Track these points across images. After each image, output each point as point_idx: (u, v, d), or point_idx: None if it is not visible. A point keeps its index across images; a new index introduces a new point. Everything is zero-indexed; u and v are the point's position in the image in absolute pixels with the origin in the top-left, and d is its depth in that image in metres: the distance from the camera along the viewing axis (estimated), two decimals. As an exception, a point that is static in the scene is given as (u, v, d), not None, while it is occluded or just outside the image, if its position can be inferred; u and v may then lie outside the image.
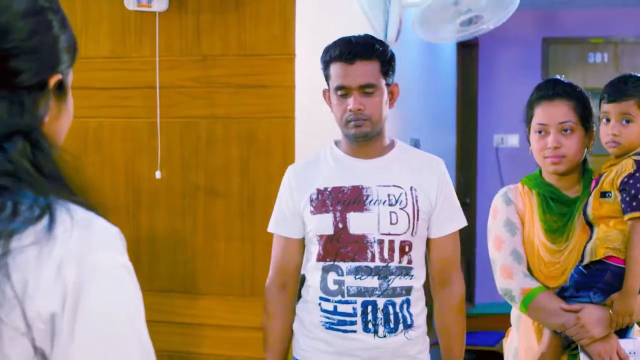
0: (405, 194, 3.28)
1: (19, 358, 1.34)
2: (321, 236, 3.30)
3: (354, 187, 3.29)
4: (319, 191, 3.33)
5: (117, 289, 1.42)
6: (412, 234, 3.27)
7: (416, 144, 6.64)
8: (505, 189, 3.51)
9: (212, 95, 4.43)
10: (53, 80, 1.50)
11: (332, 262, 3.28)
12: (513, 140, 9.40)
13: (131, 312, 1.45)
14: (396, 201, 3.27)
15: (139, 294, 1.48)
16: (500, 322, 4.88)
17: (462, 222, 3.42)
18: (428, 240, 3.38)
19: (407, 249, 3.27)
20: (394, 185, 3.29)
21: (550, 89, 3.40)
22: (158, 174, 4.46)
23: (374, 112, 3.25)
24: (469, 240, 8.71)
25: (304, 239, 3.42)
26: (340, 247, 3.26)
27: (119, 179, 4.60)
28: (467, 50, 9.19)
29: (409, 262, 3.27)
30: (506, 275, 3.33)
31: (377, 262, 3.24)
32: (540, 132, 3.39)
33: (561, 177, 3.39)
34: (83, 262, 1.37)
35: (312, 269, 3.36)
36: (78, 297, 1.35)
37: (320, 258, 3.30)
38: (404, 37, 5.78)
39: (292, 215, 3.39)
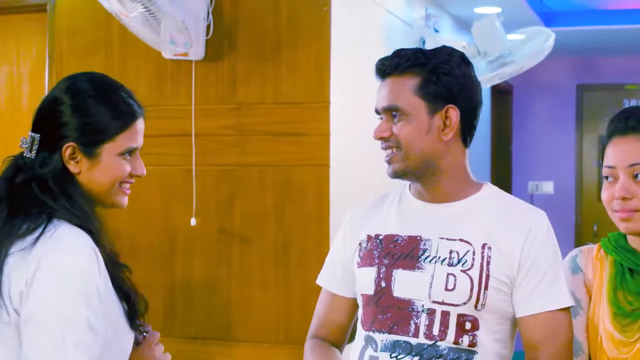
0: (474, 252, 2.43)
1: (6, 319, 2.08)
2: (363, 296, 2.55)
3: (411, 237, 2.50)
4: (369, 238, 2.57)
5: (59, 279, 2.06)
6: (476, 306, 2.41)
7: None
8: (577, 251, 2.65)
9: (248, 143, 4.45)
10: (65, 146, 2.20)
11: (368, 332, 2.51)
12: (548, 187, 9.36)
13: (63, 295, 2.06)
14: (458, 261, 2.43)
15: (78, 288, 2.07)
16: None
17: (562, 300, 2.45)
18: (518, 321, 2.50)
19: (467, 326, 2.41)
20: (460, 240, 2.46)
21: (623, 121, 2.48)
22: (193, 221, 4.47)
23: (402, 143, 2.46)
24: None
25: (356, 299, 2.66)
26: (379, 312, 2.48)
27: (154, 226, 4.61)
28: (502, 97, 9.18)
29: (472, 344, 2.41)
30: None
31: (422, 339, 2.42)
32: (608, 177, 2.49)
33: None
34: (41, 260, 2.06)
35: (357, 338, 2.58)
36: (32, 281, 2.05)
37: (362, 324, 2.55)
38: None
39: (343, 267, 2.66)
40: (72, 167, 2.22)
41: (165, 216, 4.59)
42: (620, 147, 2.47)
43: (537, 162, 9.44)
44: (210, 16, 4.44)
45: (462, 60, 2.52)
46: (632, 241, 2.51)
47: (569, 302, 2.46)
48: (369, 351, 2.49)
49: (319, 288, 2.79)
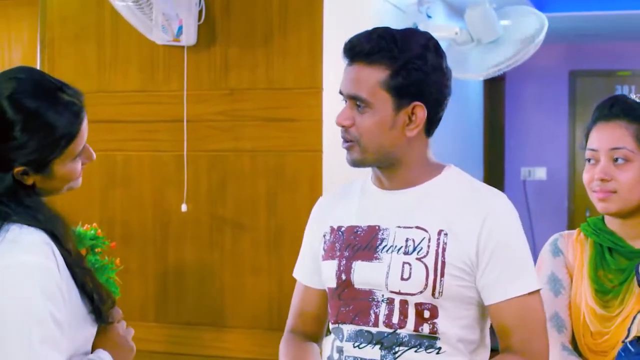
0: (429, 239, 2.36)
1: None
2: (328, 289, 2.52)
3: (370, 227, 2.44)
4: (332, 230, 2.52)
5: (18, 278, 2.00)
6: (433, 294, 2.34)
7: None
8: (557, 235, 2.76)
9: (240, 129, 4.44)
10: (17, 170, 2.08)
11: (335, 324, 2.48)
12: (540, 173, 9.37)
13: (25, 293, 1.99)
14: (414, 249, 2.37)
15: (38, 284, 2.00)
16: None
17: (528, 284, 2.37)
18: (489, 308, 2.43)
19: (426, 314, 2.36)
20: (416, 227, 2.38)
21: (607, 108, 2.65)
22: (184, 207, 4.47)
23: (362, 135, 2.37)
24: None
25: None
26: (342, 305, 2.45)
27: (146, 212, 4.61)
28: (494, 84, 9.17)
29: (433, 332, 2.35)
30: None
31: (381, 327, 2.38)
32: (590, 160, 2.68)
33: (625, 221, 2.62)
34: None
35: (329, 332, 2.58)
36: None
37: (329, 317, 2.54)
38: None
39: (312, 259, 2.61)
40: (27, 181, 2.12)
41: (157, 202, 4.59)
42: (603, 132, 2.63)
43: (530, 148, 9.45)
44: (202, 2, 4.43)
45: (436, 52, 2.40)
46: (610, 223, 2.65)
47: (536, 285, 2.38)
48: (336, 342, 2.46)
49: (311, 274, 2.78)
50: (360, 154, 2.39)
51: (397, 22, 5.51)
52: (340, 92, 2.42)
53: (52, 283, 2.03)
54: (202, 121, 4.50)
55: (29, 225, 2.07)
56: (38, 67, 4.84)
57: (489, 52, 5.70)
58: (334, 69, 4.40)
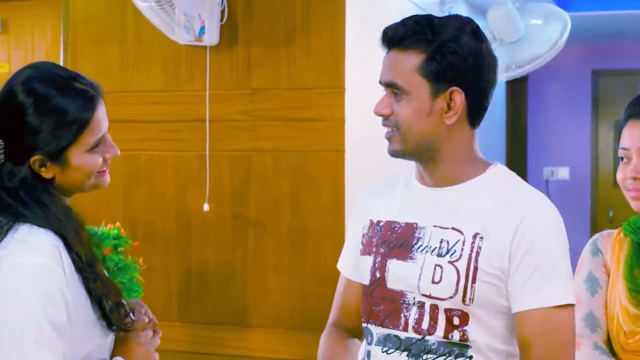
0: (464, 242, 2.24)
1: None
2: (362, 285, 2.43)
3: (408, 224, 2.34)
4: (371, 223, 2.43)
5: (18, 278, 2.00)
6: (464, 300, 2.22)
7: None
8: (598, 235, 2.71)
9: (262, 129, 4.45)
10: (33, 159, 2.11)
11: (366, 324, 2.39)
12: (563, 172, 9.33)
13: (23, 294, 1.99)
14: (447, 251, 2.25)
15: (38, 286, 2.00)
16: None
17: (557, 296, 2.20)
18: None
19: (456, 321, 2.24)
20: (452, 228, 2.27)
21: (638, 106, 2.59)
22: (206, 207, 4.48)
23: (401, 123, 2.28)
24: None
25: None
26: (373, 304, 2.36)
27: (169, 212, 4.62)
28: (517, 83, 9.12)
29: (464, 339, 2.23)
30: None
31: (410, 333, 2.28)
32: (622, 158, 2.60)
33: None
34: (2, 261, 2.01)
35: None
36: None
37: (362, 316, 2.45)
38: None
39: (355, 252, 2.50)
40: (45, 174, 2.14)
41: (180, 202, 4.60)
42: (634, 130, 2.56)
43: (553, 148, 9.42)
44: (224, 2, 4.43)
45: (474, 36, 2.29)
46: None
47: (568, 298, 2.21)
48: (366, 345, 2.38)
49: (334, 274, 2.71)
50: (401, 143, 2.30)
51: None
52: (380, 82, 2.33)
53: (54, 285, 2.01)
54: (225, 121, 4.51)
55: (39, 226, 2.08)
56: (61, 67, 4.86)
57: (511, 52, 5.69)
58: (356, 69, 4.40)
